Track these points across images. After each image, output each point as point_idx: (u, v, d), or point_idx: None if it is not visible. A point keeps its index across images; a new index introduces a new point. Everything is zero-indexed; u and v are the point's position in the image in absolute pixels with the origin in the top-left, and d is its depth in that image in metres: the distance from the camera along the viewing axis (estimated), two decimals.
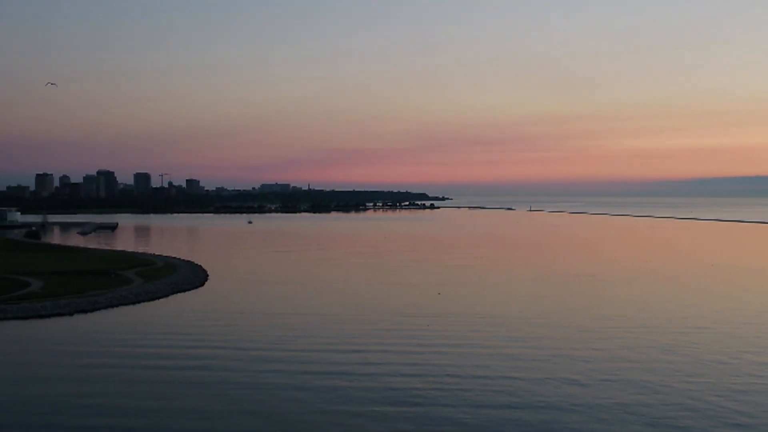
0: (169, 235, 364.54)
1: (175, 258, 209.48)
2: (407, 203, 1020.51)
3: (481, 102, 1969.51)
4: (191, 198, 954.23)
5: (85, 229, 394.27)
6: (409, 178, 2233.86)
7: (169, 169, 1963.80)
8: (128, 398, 70.72)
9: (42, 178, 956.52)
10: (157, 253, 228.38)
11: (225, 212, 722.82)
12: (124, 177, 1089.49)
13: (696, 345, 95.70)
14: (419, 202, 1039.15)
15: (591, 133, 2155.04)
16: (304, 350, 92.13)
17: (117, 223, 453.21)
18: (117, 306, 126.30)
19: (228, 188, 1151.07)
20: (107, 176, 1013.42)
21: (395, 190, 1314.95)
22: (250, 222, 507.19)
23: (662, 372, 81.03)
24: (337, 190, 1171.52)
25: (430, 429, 62.75)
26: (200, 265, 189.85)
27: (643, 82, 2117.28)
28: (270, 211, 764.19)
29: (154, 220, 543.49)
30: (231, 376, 79.22)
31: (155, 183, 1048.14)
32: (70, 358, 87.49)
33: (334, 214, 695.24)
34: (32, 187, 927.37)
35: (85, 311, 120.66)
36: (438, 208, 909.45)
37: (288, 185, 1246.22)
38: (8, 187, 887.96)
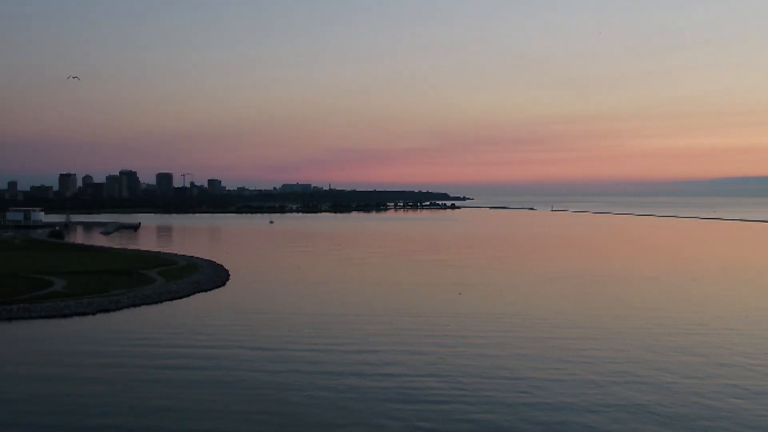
0: (191, 235, 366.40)
1: (196, 258, 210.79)
2: (428, 203, 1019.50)
3: (503, 101, 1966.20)
4: (213, 198, 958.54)
5: (107, 229, 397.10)
6: (429, 178, 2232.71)
7: (191, 169, 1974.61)
8: (147, 398, 71.51)
9: (65, 179, 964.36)
10: (179, 253, 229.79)
11: (246, 212, 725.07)
12: (147, 177, 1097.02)
13: (717, 346, 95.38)
14: (440, 202, 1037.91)
15: (612, 133, 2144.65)
16: (323, 350, 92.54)
17: (139, 223, 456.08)
18: (139, 305, 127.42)
19: (249, 188, 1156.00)
20: (130, 176, 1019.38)
21: (416, 190, 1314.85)
22: (271, 222, 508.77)
23: (680, 373, 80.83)
24: (357, 190, 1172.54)
25: (448, 428, 63.10)
26: (222, 265, 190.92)
27: (664, 81, 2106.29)
28: (291, 211, 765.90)
29: (176, 220, 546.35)
30: (250, 375, 79.80)
31: (177, 183, 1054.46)
32: (91, 358, 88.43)
33: (354, 214, 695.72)
34: (56, 187, 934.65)
35: (107, 310, 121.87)
36: (459, 208, 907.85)
37: (309, 185, 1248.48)
38: (32, 187, 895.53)
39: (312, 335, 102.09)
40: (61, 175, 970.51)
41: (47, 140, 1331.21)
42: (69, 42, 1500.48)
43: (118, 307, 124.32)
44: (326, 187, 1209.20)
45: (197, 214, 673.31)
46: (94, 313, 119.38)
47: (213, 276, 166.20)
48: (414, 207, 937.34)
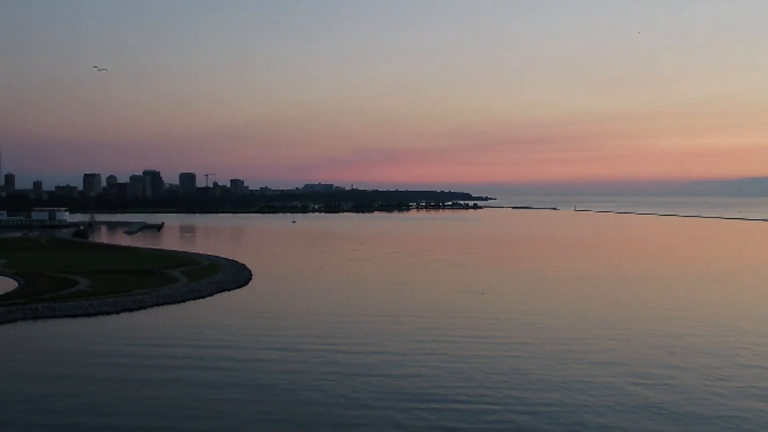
0: (214, 235, 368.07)
1: (219, 257, 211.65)
2: (450, 203, 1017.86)
3: (525, 101, 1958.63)
4: (236, 198, 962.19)
5: (131, 229, 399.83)
6: (452, 178, 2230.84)
7: (214, 169, 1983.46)
8: (168, 398, 71.95)
9: (89, 179, 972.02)
10: (201, 253, 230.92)
11: (269, 212, 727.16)
12: (170, 177, 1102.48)
13: (740, 348, 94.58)
14: (462, 202, 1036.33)
15: (636, 132, 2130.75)
16: (343, 350, 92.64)
17: (162, 223, 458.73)
18: (163, 305, 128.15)
19: (272, 188, 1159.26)
20: (153, 176, 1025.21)
21: (438, 190, 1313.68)
22: (293, 222, 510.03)
23: (700, 374, 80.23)
24: (380, 190, 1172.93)
25: (468, 427, 62.97)
26: (244, 265, 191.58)
27: (688, 81, 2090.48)
28: (313, 210, 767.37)
29: (199, 220, 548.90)
30: (270, 376, 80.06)
31: (200, 183, 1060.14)
32: (114, 357, 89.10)
33: (377, 214, 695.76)
34: (80, 187, 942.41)
35: (131, 310, 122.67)
36: (481, 208, 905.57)
37: (331, 185, 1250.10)
38: (57, 187, 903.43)
39: (333, 335, 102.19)
40: (85, 175, 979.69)
41: (72, 141, 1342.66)
42: (92, 42, 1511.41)
43: (142, 307, 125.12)
44: (348, 187, 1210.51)
45: (220, 214, 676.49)
46: (118, 312, 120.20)
47: (236, 276, 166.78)
48: (436, 207, 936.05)
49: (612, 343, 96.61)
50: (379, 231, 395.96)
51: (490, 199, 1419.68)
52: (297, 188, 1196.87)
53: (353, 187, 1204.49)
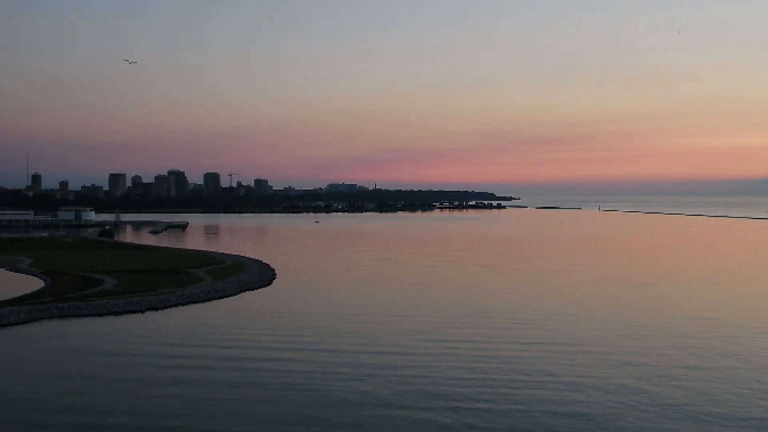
0: (238, 234, 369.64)
1: (243, 257, 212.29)
2: (474, 203, 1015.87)
3: (549, 100, 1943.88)
4: (259, 197, 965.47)
5: (156, 228, 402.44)
6: (475, 177, 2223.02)
7: (238, 169, 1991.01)
8: (191, 398, 72.08)
9: (115, 178, 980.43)
10: (226, 252, 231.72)
11: (292, 212, 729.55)
12: (195, 177, 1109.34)
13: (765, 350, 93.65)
14: (486, 202, 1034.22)
15: (662, 131, 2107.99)
16: (364, 351, 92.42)
17: (187, 223, 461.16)
18: (187, 304, 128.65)
19: (296, 188, 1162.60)
20: (178, 176, 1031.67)
21: (462, 190, 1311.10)
22: (317, 222, 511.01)
23: (724, 378, 79.12)
24: (403, 189, 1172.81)
25: (493, 426, 62.58)
26: (268, 264, 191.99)
27: (715, 79, 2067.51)
28: (337, 210, 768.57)
29: (223, 220, 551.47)
30: (291, 377, 79.88)
31: (224, 183, 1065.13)
32: (138, 357, 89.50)
33: (400, 214, 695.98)
34: (106, 187, 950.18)
35: (156, 309, 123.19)
36: (504, 207, 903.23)
37: (355, 185, 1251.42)
38: (83, 187, 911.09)
39: (355, 336, 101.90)
40: (111, 175, 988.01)
41: (97, 141, 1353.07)
42: (117, 42, 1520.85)
43: (167, 306, 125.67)
44: (372, 187, 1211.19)
45: (244, 214, 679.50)
46: (143, 311, 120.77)
47: (259, 275, 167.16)
48: (460, 207, 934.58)
49: (637, 344, 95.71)
50: (402, 231, 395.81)
51: (514, 199, 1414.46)
52: (321, 188, 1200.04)
53: (377, 187, 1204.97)
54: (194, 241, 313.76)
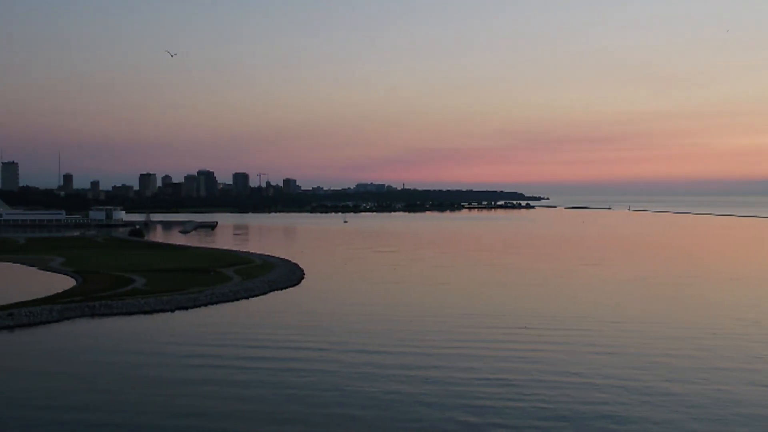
0: (267, 234, 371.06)
1: (272, 256, 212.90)
2: (502, 203, 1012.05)
3: (580, 99, 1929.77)
4: (288, 197, 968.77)
5: (186, 228, 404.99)
6: (504, 177, 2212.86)
7: (267, 169, 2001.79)
8: (217, 398, 72.33)
9: (145, 178, 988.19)
10: (255, 252, 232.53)
11: (321, 211, 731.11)
12: (224, 177, 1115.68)
13: None
14: (515, 202, 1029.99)
15: (694, 131, 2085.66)
16: (391, 352, 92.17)
17: (216, 222, 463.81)
18: (216, 303, 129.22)
19: (324, 188, 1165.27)
20: (207, 176, 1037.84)
21: (490, 190, 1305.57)
22: (345, 221, 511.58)
23: (756, 382, 78.27)
24: (431, 189, 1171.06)
25: (520, 423, 62.31)
26: (297, 264, 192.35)
27: (748, 79, 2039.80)
28: (365, 210, 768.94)
29: (252, 219, 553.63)
30: (316, 377, 79.87)
31: (253, 183, 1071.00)
32: (169, 357, 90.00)
33: (428, 214, 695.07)
34: (136, 187, 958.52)
35: (186, 308, 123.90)
36: (533, 207, 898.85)
37: (383, 185, 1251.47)
38: (114, 187, 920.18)
39: (383, 336, 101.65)
40: (141, 175, 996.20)
41: (128, 141, 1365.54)
42: (148, 43, 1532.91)
43: (196, 305, 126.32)
44: (400, 187, 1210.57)
45: (272, 214, 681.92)
46: (173, 310, 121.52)
47: (288, 275, 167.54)
48: (488, 207, 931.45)
49: (667, 345, 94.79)
50: (431, 231, 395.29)
51: (543, 198, 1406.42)
52: (349, 188, 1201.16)
53: (405, 187, 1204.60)
54: (223, 240, 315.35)
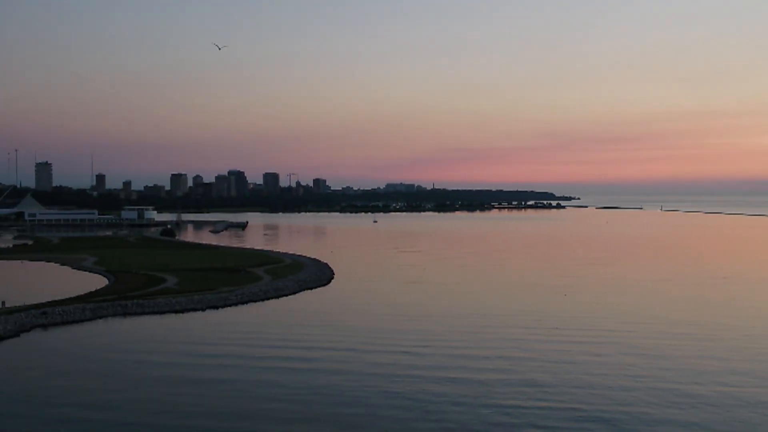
0: (297, 234, 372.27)
1: (302, 256, 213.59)
2: (532, 203, 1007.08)
3: (612, 99, 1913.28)
4: (318, 197, 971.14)
5: (216, 228, 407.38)
6: (535, 177, 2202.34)
7: (297, 168, 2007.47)
8: (243, 399, 72.70)
9: (176, 178, 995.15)
10: (284, 251, 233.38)
11: (351, 211, 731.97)
12: (254, 177, 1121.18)
13: None
14: (545, 202, 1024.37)
15: (726, 130, 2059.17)
16: (419, 353, 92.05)
17: (247, 222, 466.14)
18: (247, 303, 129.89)
19: (354, 188, 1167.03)
20: (238, 176, 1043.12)
21: (520, 190, 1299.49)
22: (375, 221, 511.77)
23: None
24: (461, 189, 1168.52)
25: (551, 424, 62.23)
26: (326, 264, 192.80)
27: None
28: (395, 210, 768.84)
29: (282, 219, 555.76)
30: (342, 379, 79.97)
31: (284, 183, 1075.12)
32: (200, 358, 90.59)
33: (458, 214, 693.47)
34: (167, 187, 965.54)
35: (216, 307, 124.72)
36: (564, 207, 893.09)
37: (413, 185, 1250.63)
38: (145, 187, 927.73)
39: (412, 336, 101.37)
40: (172, 175, 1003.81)
41: (160, 142, 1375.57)
42: (182, 43, 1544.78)
43: (227, 304, 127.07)
44: (430, 187, 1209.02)
45: (302, 214, 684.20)
46: (203, 310, 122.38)
47: (318, 274, 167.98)
48: (519, 207, 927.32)
49: (700, 346, 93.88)
50: (460, 231, 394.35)
51: (574, 198, 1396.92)
52: (379, 188, 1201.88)
53: (435, 187, 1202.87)
54: (254, 240, 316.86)
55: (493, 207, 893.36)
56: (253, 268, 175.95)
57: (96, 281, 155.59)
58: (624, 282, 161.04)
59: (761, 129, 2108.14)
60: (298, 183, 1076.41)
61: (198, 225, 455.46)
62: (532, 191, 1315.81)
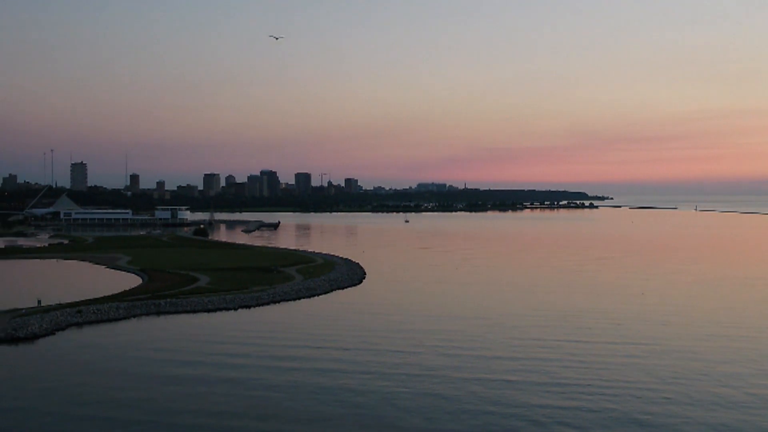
0: (328, 233, 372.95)
1: (333, 256, 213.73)
2: (565, 203, 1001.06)
3: (644, 97, 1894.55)
4: (350, 197, 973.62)
5: (249, 227, 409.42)
6: (566, 177, 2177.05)
7: (329, 168, 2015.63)
8: (267, 399, 72.79)
9: (209, 178, 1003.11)
10: (316, 251, 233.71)
11: (382, 211, 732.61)
12: (286, 176, 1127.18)
13: None
14: (578, 202, 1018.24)
15: (762, 129, 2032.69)
16: (451, 354, 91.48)
17: (279, 222, 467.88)
18: (279, 302, 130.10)
19: (385, 187, 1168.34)
20: (270, 176, 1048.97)
21: (552, 189, 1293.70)
22: (406, 221, 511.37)
23: None
24: (493, 189, 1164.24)
25: (586, 425, 61.59)
26: (358, 263, 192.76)
27: None
28: (426, 210, 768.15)
29: (314, 219, 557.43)
30: (366, 380, 79.61)
31: (315, 182, 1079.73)
32: (227, 358, 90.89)
33: (490, 214, 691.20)
34: (200, 187, 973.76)
35: (248, 306, 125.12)
36: (597, 207, 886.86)
37: (444, 185, 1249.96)
38: (179, 187, 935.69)
39: (443, 339, 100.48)
40: (205, 175, 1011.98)
41: (193, 142, 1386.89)
42: (214, 44, 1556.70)
43: (259, 303, 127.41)
44: (461, 187, 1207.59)
45: (334, 213, 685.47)
46: (236, 309, 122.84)
47: (349, 274, 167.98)
48: (551, 207, 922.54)
49: (733, 347, 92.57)
50: (492, 231, 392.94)
51: (608, 198, 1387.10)
52: (410, 187, 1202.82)
53: (466, 186, 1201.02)
54: (286, 239, 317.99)
55: (525, 207, 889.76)
56: (285, 267, 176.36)
57: (130, 280, 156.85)
58: (661, 283, 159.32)
59: None
60: (329, 183, 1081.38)
61: (230, 225, 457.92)
62: (564, 191, 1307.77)
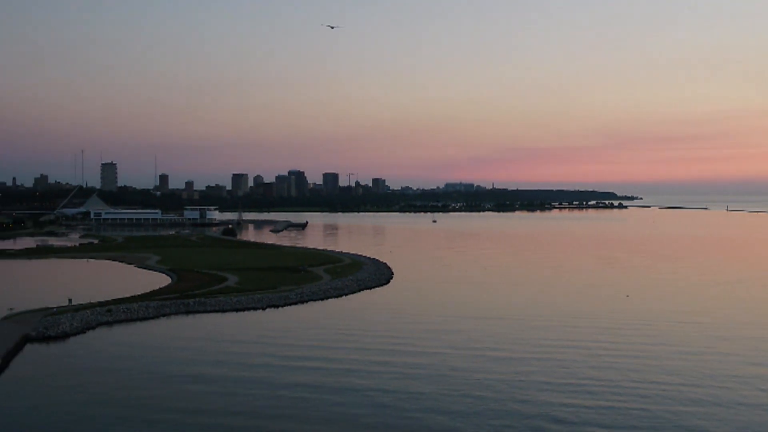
0: (356, 234, 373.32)
1: (361, 256, 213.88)
2: (594, 203, 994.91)
3: (676, 96, 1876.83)
4: (377, 197, 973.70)
5: (277, 227, 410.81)
6: (595, 177, 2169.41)
7: (357, 168, 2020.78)
8: (281, 399, 72.86)
9: (237, 178, 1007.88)
10: (344, 251, 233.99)
11: (410, 211, 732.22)
12: (314, 177, 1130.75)
13: None
14: (607, 202, 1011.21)
15: None
16: (477, 355, 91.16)
17: (307, 222, 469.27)
18: (306, 302, 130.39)
19: (413, 187, 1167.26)
20: (298, 176, 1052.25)
21: (581, 189, 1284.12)
22: (434, 221, 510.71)
23: None
24: (521, 189, 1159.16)
25: (617, 424, 61.08)
26: (385, 263, 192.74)
27: None
28: (454, 210, 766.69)
29: (342, 219, 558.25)
30: (390, 382, 79.34)
31: (343, 182, 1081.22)
32: (252, 358, 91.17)
33: (518, 214, 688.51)
34: (228, 187, 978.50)
35: (276, 306, 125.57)
36: (626, 207, 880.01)
37: (472, 185, 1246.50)
38: (207, 187, 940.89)
39: (468, 339, 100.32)
40: (233, 175, 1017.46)
41: (221, 142, 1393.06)
42: (238, 45, 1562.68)
43: (287, 303, 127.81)
44: (489, 186, 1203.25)
45: (361, 213, 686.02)
46: (264, 308, 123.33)
47: (377, 274, 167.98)
48: (579, 207, 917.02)
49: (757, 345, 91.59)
50: (520, 231, 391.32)
51: (637, 198, 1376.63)
52: (438, 187, 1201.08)
53: (494, 186, 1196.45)
54: (313, 239, 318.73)
55: (554, 207, 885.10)
56: (313, 267, 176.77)
57: (159, 280, 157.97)
58: (680, 284, 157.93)
59: None
60: (357, 183, 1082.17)
61: (258, 225, 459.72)
62: (593, 191, 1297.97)
